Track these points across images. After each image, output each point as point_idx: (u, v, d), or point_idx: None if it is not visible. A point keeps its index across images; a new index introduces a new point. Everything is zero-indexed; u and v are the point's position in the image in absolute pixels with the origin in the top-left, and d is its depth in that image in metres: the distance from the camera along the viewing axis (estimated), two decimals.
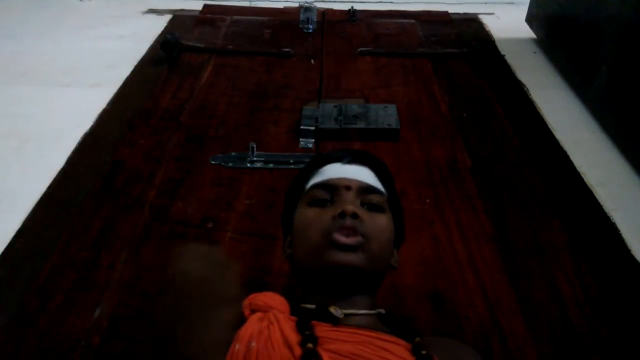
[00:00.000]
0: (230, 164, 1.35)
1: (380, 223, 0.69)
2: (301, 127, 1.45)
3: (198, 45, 1.95)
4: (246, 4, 2.48)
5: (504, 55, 1.97)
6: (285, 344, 0.55)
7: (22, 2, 2.40)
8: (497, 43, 2.07)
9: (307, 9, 2.16)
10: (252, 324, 0.58)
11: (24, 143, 1.44)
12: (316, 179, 0.74)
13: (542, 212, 1.23)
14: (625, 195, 1.30)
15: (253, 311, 0.61)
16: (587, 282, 1.05)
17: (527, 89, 1.74)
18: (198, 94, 1.66)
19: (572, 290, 1.03)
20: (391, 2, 2.57)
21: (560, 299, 1.02)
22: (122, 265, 1.06)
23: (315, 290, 0.67)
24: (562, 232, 1.17)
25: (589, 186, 1.31)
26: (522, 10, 2.18)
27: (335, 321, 0.61)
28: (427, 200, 1.25)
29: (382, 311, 0.68)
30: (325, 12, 2.28)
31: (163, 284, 1.01)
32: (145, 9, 2.38)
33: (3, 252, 1.09)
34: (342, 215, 0.66)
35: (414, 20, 2.23)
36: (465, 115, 1.60)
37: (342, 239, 0.64)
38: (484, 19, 2.31)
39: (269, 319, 0.58)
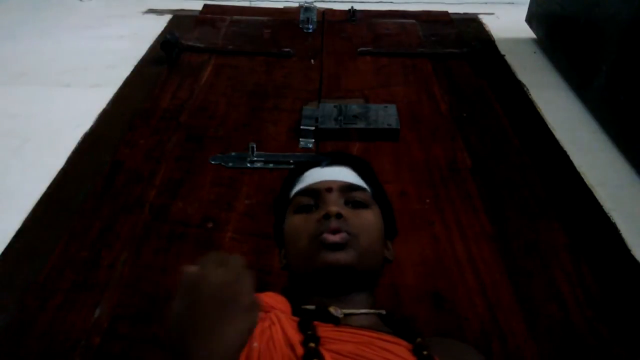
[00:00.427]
0: (230, 164, 1.35)
1: (365, 218, 0.70)
2: (301, 127, 1.45)
3: (198, 45, 1.95)
4: (246, 4, 2.48)
5: (504, 55, 1.97)
6: (287, 343, 0.55)
7: (22, 2, 2.40)
8: (497, 43, 2.07)
9: (307, 9, 2.17)
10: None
11: (24, 143, 1.44)
12: (298, 187, 0.75)
13: (542, 212, 1.23)
14: (625, 195, 1.30)
15: None
16: (587, 282, 1.05)
17: (527, 89, 1.74)
18: (198, 94, 1.66)
19: (572, 290, 1.03)
20: (391, 2, 2.57)
21: (560, 299, 1.02)
22: (122, 265, 1.06)
23: (314, 294, 0.67)
24: (562, 232, 1.17)
25: (589, 186, 1.31)
26: (522, 10, 2.18)
27: (335, 321, 0.61)
28: (427, 200, 1.25)
29: (383, 312, 0.68)
30: (325, 12, 2.28)
31: (172, 288, 1.01)
32: (145, 9, 2.38)
33: (3, 252, 1.09)
34: (327, 216, 0.66)
35: (414, 20, 2.23)
36: (465, 115, 1.60)
37: (329, 237, 0.64)
38: (484, 19, 2.31)
39: (270, 319, 0.59)
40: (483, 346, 0.92)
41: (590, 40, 1.64)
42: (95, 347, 0.90)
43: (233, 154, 1.39)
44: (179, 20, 2.26)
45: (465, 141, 1.47)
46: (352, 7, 2.26)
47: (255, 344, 0.54)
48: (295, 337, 0.56)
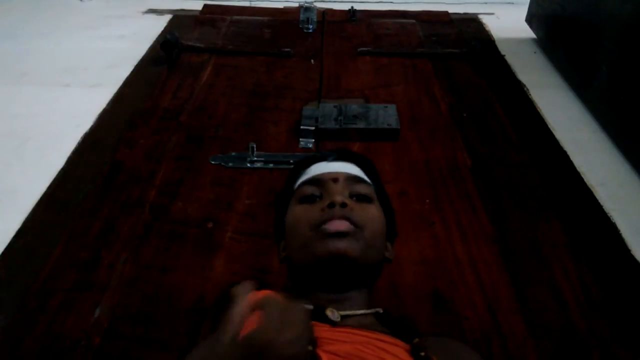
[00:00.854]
0: (230, 164, 1.35)
1: (370, 212, 0.70)
2: (301, 127, 1.45)
3: (198, 45, 1.95)
4: (246, 4, 2.48)
5: (504, 55, 1.97)
6: None
7: (22, 3, 2.40)
8: (497, 43, 2.07)
9: (307, 9, 2.17)
10: (252, 323, 0.58)
11: (24, 143, 1.45)
12: (303, 178, 0.75)
13: (542, 212, 1.23)
14: (625, 195, 1.30)
15: (252, 310, 0.61)
16: (587, 282, 1.05)
17: (527, 89, 1.74)
18: (198, 94, 1.66)
19: (572, 290, 1.03)
20: (391, 2, 2.57)
21: (560, 299, 1.02)
22: (122, 265, 1.06)
23: (312, 288, 0.66)
24: (562, 232, 1.17)
25: (589, 186, 1.31)
26: (522, 10, 2.18)
27: (332, 324, 0.61)
28: (427, 200, 1.25)
29: (380, 310, 0.68)
30: (325, 12, 2.28)
31: (172, 287, 1.01)
32: (145, 9, 2.38)
33: (3, 252, 1.09)
34: (332, 205, 0.66)
35: (414, 20, 2.23)
36: (465, 115, 1.60)
37: (332, 226, 0.64)
38: (484, 19, 2.31)
39: None
40: (483, 346, 0.92)
41: (590, 40, 1.64)
42: (95, 347, 0.90)
43: (233, 154, 1.39)
44: (179, 20, 2.26)
45: (465, 141, 1.47)
46: (352, 7, 2.26)
47: None
48: None
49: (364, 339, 0.58)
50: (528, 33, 2.13)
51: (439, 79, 1.79)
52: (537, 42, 2.07)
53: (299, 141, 1.44)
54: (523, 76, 1.82)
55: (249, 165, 1.34)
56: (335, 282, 0.66)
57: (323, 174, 0.73)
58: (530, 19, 2.14)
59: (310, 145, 1.43)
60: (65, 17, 2.29)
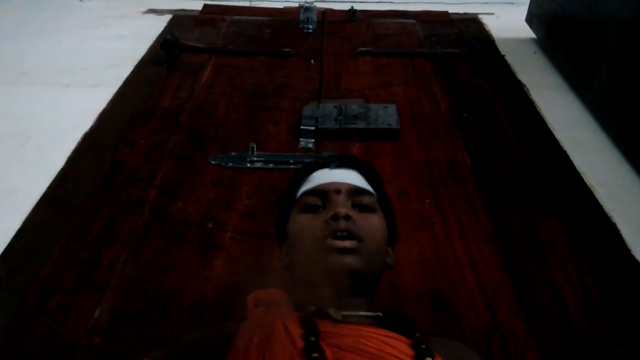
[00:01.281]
0: (230, 164, 1.35)
1: (373, 223, 0.70)
2: (301, 127, 1.45)
3: (198, 45, 1.95)
4: (246, 4, 2.48)
5: (504, 55, 1.97)
6: (287, 337, 0.55)
7: (22, 2, 2.40)
8: (497, 43, 2.07)
9: (307, 9, 2.17)
10: (256, 318, 0.58)
11: (24, 143, 1.45)
12: (306, 186, 0.75)
13: (542, 213, 1.23)
14: (625, 195, 1.30)
15: (257, 306, 0.62)
16: (587, 282, 1.05)
17: (527, 89, 1.74)
18: (198, 94, 1.66)
19: (572, 290, 1.03)
20: (391, 2, 2.57)
21: (560, 299, 1.02)
22: (122, 265, 1.06)
23: (315, 295, 0.67)
24: (562, 232, 1.17)
25: (589, 186, 1.31)
26: (522, 10, 2.18)
27: (335, 322, 0.62)
28: (427, 200, 1.25)
29: (380, 314, 0.68)
30: (325, 12, 2.28)
31: (172, 287, 1.01)
32: (145, 9, 2.38)
33: (3, 252, 1.09)
34: (335, 218, 0.66)
35: (414, 20, 2.23)
36: (465, 115, 1.60)
37: (337, 244, 0.64)
38: (484, 19, 2.32)
39: (272, 313, 0.59)
40: (483, 346, 0.92)
41: (590, 40, 1.64)
42: (95, 347, 0.90)
43: (233, 154, 1.38)
44: (179, 20, 2.26)
45: (465, 141, 1.47)
46: (352, 7, 2.26)
47: (256, 338, 0.55)
48: (296, 330, 0.56)
49: (366, 333, 0.59)
50: (528, 33, 2.13)
51: (439, 79, 1.79)
52: (537, 42, 2.07)
53: (299, 141, 1.44)
54: (523, 76, 1.82)
55: (249, 165, 1.34)
56: (338, 292, 0.66)
57: (326, 184, 0.73)
58: (530, 19, 2.14)
59: (310, 145, 1.43)
60: (65, 17, 2.29)
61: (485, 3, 2.50)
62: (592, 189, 1.30)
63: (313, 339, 0.55)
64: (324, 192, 0.72)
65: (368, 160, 0.89)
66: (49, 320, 0.94)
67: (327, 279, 0.65)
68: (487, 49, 1.96)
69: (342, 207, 0.68)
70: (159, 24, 2.20)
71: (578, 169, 1.37)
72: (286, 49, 1.93)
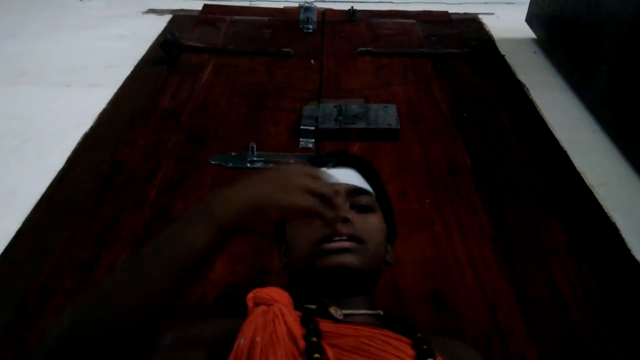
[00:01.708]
0: (230, 164, 1.35)
1: (372, 223, 0.70)
2: (301, 127, 1.45)
3: (198, 45, 1.95)
4: (246, 4, 2.48)
5: (504, 55, 1.97)
6: (289, 337, 0.55)
7: (22, 2, 2.40)
8: (497, 43, 2.07)
9: (307, 9, 2.16)
10: (257, 317, 0.58)
11: (24, 143, 1.44)
12: None
13: (542, 213, 1.23)
14: (625, 195, 1.30)
15: (257, 305, 0.61)
16: (587, 282, 1.05)
17: (527, 89, 1.74)
18: (198, 94, 1.66)
19: (572, 290, 1.03)
20: (391, 2, 2.57)
21: (560, 299, 1.02)
22: None
23: (314, 295, 0.67)
24: (562, 232, 1.17)
25: (589, 186, 1.31)
26: (522, 10, 2.18)
27: (336, 321, 0.62)
28: (427, 201, 1.25)
29: (381, 313, 0.68)
30: (325, 12, 2.28)
31: None
32: (145, 9, 2.38)
33: (3, 252, 1.09)
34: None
35: (414, 20, 2.23)
36: (465, 115, 1.60)
37: (333, 245, 0.64)
38: (484, 19, 2.31)
39: (273, 313, 0.59)
40: (483, 346, 0.92)
41: (590, 40, 1.64)
42: None
43: (233, 154, 1.38)
44: (179, 20, 2.25)
45: (465, 141, 1.47)
46: (352, 7, 2.26)
47: (258, 338, 0.54)
48: (298, 331, 0.56)
49: (368, 333, 0.59)
50: (528, 33, 2.13)
51: (439, 79, 1.79)
52: (537, 42, 2.07)
53: (299, 141, 1.44)
54: (523, 76, 1.82)
55: (249, 165, 1.34)
56: (337, 291, 0.66)
57: None
58: (530, 19, 2.14)
59: (310, 145, 1.43)
60: (65, 17, 2.29)
61: (485, 3, 2.50)
62: (592, 189, 1.30)
63: (315, 339, 0.55)
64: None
65: (368, 160, 0.89)
66: (49, 320, 0.94)
67: (326, 279, 0.65)
68: (487, 49, 1.96)
69: (341, 209, 0.67)
70: (159, 24, 2.20)
71: (578, 169, 1.37)
72: (286, 49, 1.93)
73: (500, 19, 2.32)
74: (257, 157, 1.35)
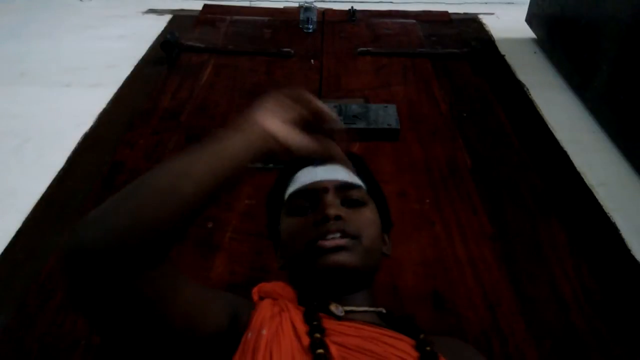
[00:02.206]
0: None
1: (365, 217, 0.69)
2: None
3: (198, 45, 1.95)
4: (246, 4, 2.48)
5: (504, 55, 1.97)
6: (294, 332, 0.55)
7: (22, 2, 2.40)
8: (497, 43, 2.07)
9: (307, 9, 2.16)
10: (264, 309, 0.58)
11: (24, 143, 1.44)
12: (293, 187, 0.73)
13: (542, 212, 1.23)
14: (625, 195, 1.30)
15: (262, 298, 0.61)
16: (587, 282, 1.05)
17: (527, 89, 1.74)
18: (198, 94, 1.66)
19: (572, 290, 1.03)
20: (391, 2, 2.57)
21: (560, 299, 1.02)
22: None
23: (314, 294, 0.67)
24: (562, 232, 1.17)
25: (589, 186, 1.31)
26: (522, 10, 2.18)
27: (337, 319, 0.61)
28: (427, 201, 1.25)
29: (383, 310, 0.68)
30: (325, 12, 2.28)
31: None
32: (145, 9, 2.38)
33: (3, 252, 1.09)
34: (325, 220, 0.65)
35: (414, 20, 2.23)
36: (465, 115, 1.60)
37: (327, 243, 0.63)
38: (484, 19, 2.31)
39: (280, 306, 0.59)
40: (483, 346, 0.92)
41: (590, 40, 1.64)
42: (95, 347, 0.90)
43: None
44: (179, 20, 2.26)
45: (465, 141, 1.47)
46: (352, 7, 2.26)
47: (264, 331, 0.54)
48: (302, 327, 0.56)
49: (370, 333, 0.59)
50: (528, 33, 2.13)
51: (439, 79, 1.79)
52: (537, 42, 2.07)
53: None
54: (523, 76, 1.82)
55: (249, 165, 1.34)
56: (337, 289, 0.66)
57: (312, 184, 0.71)
58: (530, 19, 2.14)
59: None
60: (65, 17, 2.29)
61: (485, 3, 2.50)
62: (592, 189, 1.30)
63: (318, 335, 0.55)
64: (310, 192, 0.70)
65: (368, 160, 0.88)
66: (49, 320, 0.94)
67: (324, 280, 0.65)
68: (487, 49, 1.96)
69: (332, 206, 0.66)
70: (159, 24, 2.20)
71: (578, 169, 1.37)
72: (286, 49, 1.93)
73: (500, 19, 2.32)
74: None
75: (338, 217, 0.65)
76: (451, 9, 2.36)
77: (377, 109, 1.52)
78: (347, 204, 0.70)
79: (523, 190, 1.30)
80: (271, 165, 1.35)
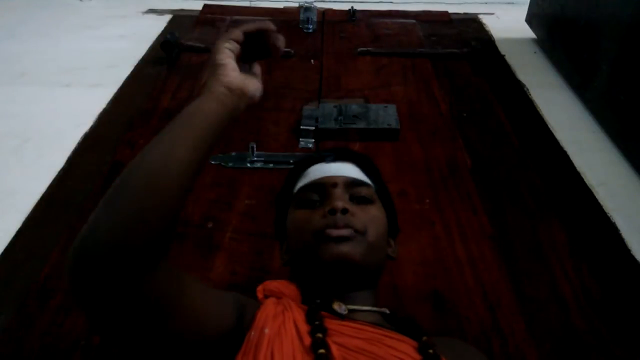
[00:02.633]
0: (230, 164, 1.35)
1: (372, 214, 0.70)
2: (301, 127, 1.45)
3: (198, 45, 1.95)
4: (246, 4, 2.48)
5: (504, 55, 1.97)
6: (296, 332, 0.55)
7: (22, 2, 2.40)
8: (497, 43, 2.07)
9: (307, 9, 2.16)
10: (268, 308, 0.58)
11: (24, 143, 1.44)
12: (302, 182, 0.75)
13: (542, 212, 1.23)
14: (625, 195, 1.30)
15: (267, 296, 0.62)
16: (587, 282, 1.05)
17: (527, 89, 1.74)
18: (198, 94, 1.66)
19: (572, 290, 1.03)
20: (391, 2, 2.57)
21: (560, 299, 1.02)
22: None
23: (317, 290, 0.67)
24: (562, 232, 1.17)
25: (589, 186, 1.31)
26: (522, 10, 2.18)
27: (340, 317, 0.61)
28: (427, 201, 1.25)
29: (386, 310, 0.68)
30: (325, 12, 2.28)
31: None
32: (145, 9, 2.38)
33: (3, 252, 1.09)
34: (332, 212, 0.66)
35: (414, 20, 2.23)
36: (465, 115, 1.60)
37: (333, 231, 0.64)
38: (484, 19, 2.31)
39: (283, 305, 0.59)
40: (483, 346, 0.92)
41: (590, 40, 1.64)
42: (95, 347, 0.90)
43: (233, 153, 1.39)
44: (179, 20, 2.26)
45: (465, 141, 1.47)
46: (352, 7, 2.26)
47: (267, 330, 0.55)
48: (304, 326, 0.56)
49: (372, 335, 0.59)
50: (528, 33, 2.13)
51: (439, 79, 1.79)
52: (537, 42, 2.07)
53: (299, 141, 1.44)
54: (523, 76, 1.82)
55: (249, 165, 1.34)
56: (339, 285, 0.66)
57: (322, 178, 0.73)
58: (530, 19, 2.14)
59: (310, 145, 1.43)
60: (65, 17, 2.29)
61: (485, 3, 2.50)
62: (592, 189, 1.30)
63: (320, 335, 0.55)
64: (320, 186, 0.71)
65: (367, 155, 0.88)
66: (49, 320, 0.94)
67: (327, 272, 0.65)
68: (487, 49, 1.96)
69: (340, 200, 0.68)
70: (159, 24, 2.20)
71: (578, 169, 1.37)
72: (286, 49, 1.93)
73: (500, 19, 2.32)
74: (257, 157, 1.35)
75: (345, 211, 0.66)
76: (451, 9, 2.36)
77: (377, 109, 1.52)
78: (355, 200, 0.71)
79: (523, 190, 1.30)
80: (271, 165, 1.35)
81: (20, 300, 0.98)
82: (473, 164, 1.38)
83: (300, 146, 1.43)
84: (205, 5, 2.34)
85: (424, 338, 0.60)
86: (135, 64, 1.85)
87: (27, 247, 1.11)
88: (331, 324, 0.58)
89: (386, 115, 1.50)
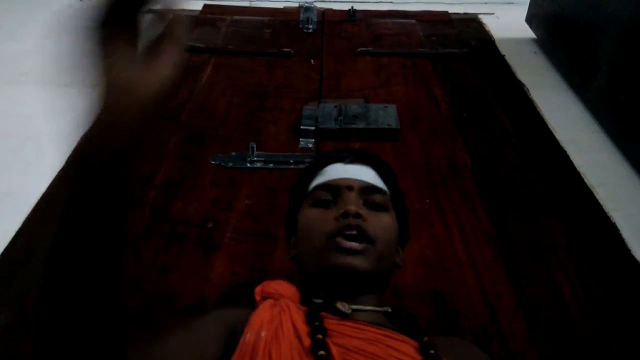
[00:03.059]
0: (230, 164, 1.35)
1: (383, 222, 0.70)
2: (301, 127, 1.45)
3: (198, 45, 1.95)
4: (246, 4, 2.48)
5: (504, 55, 1.97)
6: (295, 333, 0.55)
7: (22, 2, 2.40)
8: (497, 43, 2.07)
9: (307, 9, 2.16)
10: (264, 311, 0.58)
11: (24, 143, 1.44)
12: (319, 180, 0.75)
13: (542, 212, 1.23)
14: (625, 195, 1.30)
15: (264, 298, 0.61)
16: (587, 282, 1.05)
17: (527, 89, 1.74)
18: (198, 94, 1.66)
19: (572, 290, 1.03)
20: (391, 2, 2.57)
21: (560, 299, 1.02)
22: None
23: (321, 291, 0.67)
24: (562, 232, 1.17)
25: (589, 186, 1.31)
26: (522, 10, 2.18)
27: (342, 316, 0.61)
28: (427, 201, 1.25)
29: (389, 309, 0.68)
30: (325, 12, 2.28)
31: (172, 288, 1.01)
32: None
33: (3, 252, 1.09)
34: (345, 215, 0.66)
35: (414, 20, 2.23)
36: (465, 115, 1.60)
37: (346, 243, 0.64)
38: (484, 19, 2.31)
39: (280, 307, 0.59)
40: (483, 346, 0.91)
41: (590, 40, 1.64)
42: None
43: (233, 154, 1.39)
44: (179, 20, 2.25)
45: (465, 141, 1.47)
46: (352, 7, 2.26)
47: (263, 333, 0.54)
48: (303, 327, 0.56)
49: (372, 335, 0.59)
50: (528, 33, 2.13)
51: (439, 79, 1.79)
52: (537, 42, 2.07)
53: (299, 141, 1.44)
54: (523, 76, 1.82)
55: (249, 165, 1.34)
56: (345, 289, 0.66)
57: (338, 180, 0.72)
58: (530, 19, 2.14)
59: (310, 145, 1.43)
60: (65, 17, 2.29)
61: (485, 3, 2.50)
62: (592, 189, 1.30)
63: (320, 337, 0.55)
64: (335, 188, 0.71)
65: (385, 160, 0.88)
66: None
67: (334, 278, 0.65)
68: (487, 49, 1.96)
69: (354, 204, 0.68)
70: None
71: (578, 169, 1.37)
72: (286, 49, 1.93)
73: (500, 19, 2.32)
74: (257, 157, 1.35)
75: (358, 215, 0.66)
76: (451, 9, 2.36)
77: (377, 109, 1.52)
78: (369, 206, 0.71)
79: (523, 190, 1.30)
80: (271, 165, 1.35)
81: (20, 300, 0.98)
82: (473, 164, 1.38)
83: (300, 146, 1.43)
84: (205, 5, 2.33)
85: (425, 338, 0.60)
86: None
87: (27, 247, 1.11)
88: (331, 324, 0.58)
89: (386, 115, 1.50)
